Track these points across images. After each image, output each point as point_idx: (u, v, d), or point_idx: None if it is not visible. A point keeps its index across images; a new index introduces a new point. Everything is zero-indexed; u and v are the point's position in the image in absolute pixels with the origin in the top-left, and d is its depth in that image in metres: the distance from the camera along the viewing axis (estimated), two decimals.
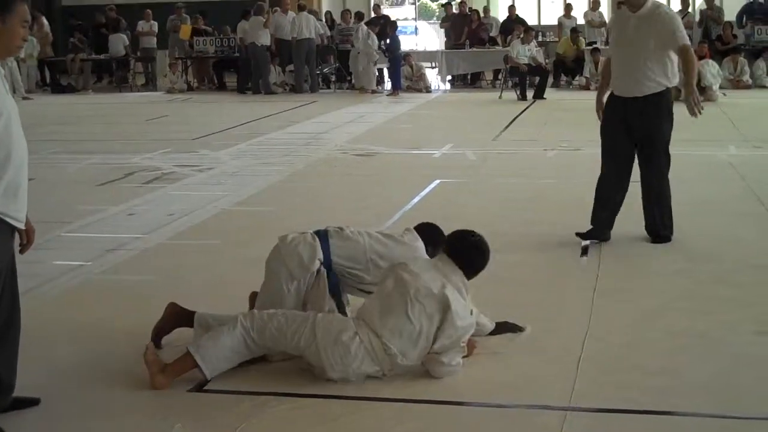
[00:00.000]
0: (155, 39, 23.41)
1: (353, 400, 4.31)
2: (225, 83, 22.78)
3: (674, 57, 6.82)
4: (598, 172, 7.06)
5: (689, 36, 7.65)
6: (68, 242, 7.56)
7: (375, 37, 20.20)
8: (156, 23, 23.41)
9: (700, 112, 6.74)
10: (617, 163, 7.01)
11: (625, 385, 4.39)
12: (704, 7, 22.39)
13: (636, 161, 7.04)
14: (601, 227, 7.06)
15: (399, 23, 35.00)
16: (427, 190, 9.33)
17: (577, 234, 7.08)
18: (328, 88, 22.03)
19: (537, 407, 4.19)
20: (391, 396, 4.35)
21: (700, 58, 18.78)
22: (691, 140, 10.62)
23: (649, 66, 6.76)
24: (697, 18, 22.34)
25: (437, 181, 9.69)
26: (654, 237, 7.03)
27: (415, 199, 8.90)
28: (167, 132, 14.67)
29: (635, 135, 6.91)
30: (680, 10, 22.47)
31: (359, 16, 22.28)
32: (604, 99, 7.15)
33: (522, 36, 19.07)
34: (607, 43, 20.42)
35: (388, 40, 20.58)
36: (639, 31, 6.80)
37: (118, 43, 23.05)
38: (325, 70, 22.25)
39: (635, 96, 6.82)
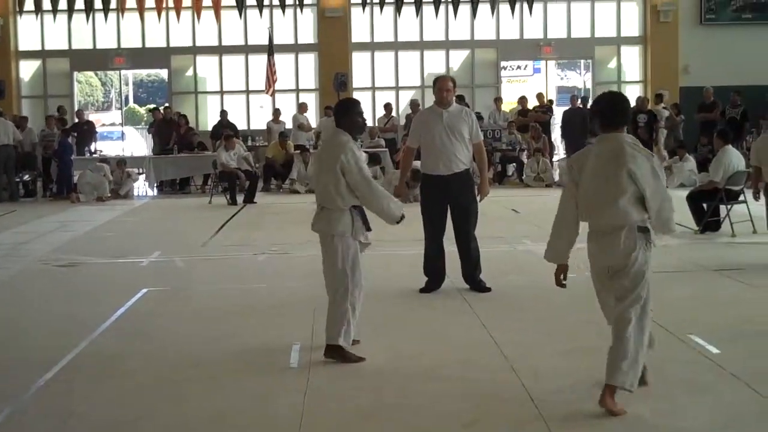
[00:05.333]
0: None
1: None
2: None
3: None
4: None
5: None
6: None
7: None
8: None
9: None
10: (440, 227, 8.89)
11: None
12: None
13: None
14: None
15: (105, 128, 34.67)
16: (134, 299, 9.01)
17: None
18: (30, 196, 21.03)
19: None
20: None
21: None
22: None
23: (461, 149, 8.73)
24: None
25: (144, 290, 9.39)
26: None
27: (122, 309, 8.57)
28: None
29: (453, 203, 8.80)
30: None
31: (62, 121, 21.69)
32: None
33: (225, 144, 19.21)
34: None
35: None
36: (453, 122, 8.71)
37: None
38: (25, 177, 21.27)
39: (454, 172, 8.67)
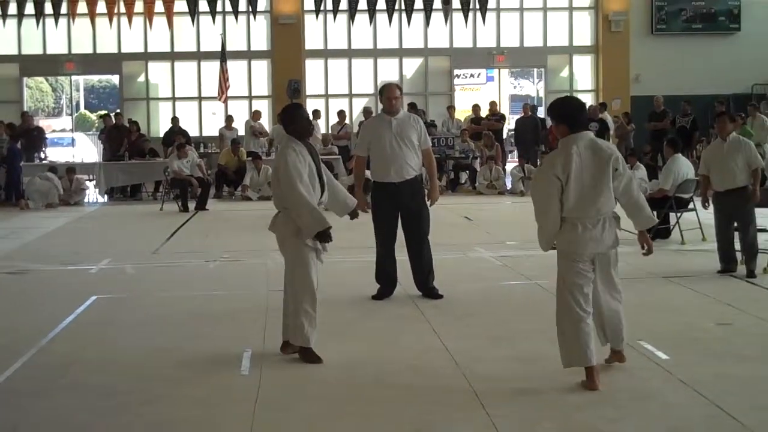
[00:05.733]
0: None
1: None
2: None
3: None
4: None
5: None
6: None
7: None
8: None
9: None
10: (391, 234, 8.93)
11: None
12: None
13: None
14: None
15: (55, 134, 34.31)
16: (84, 306, 8.91)
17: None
18: None
19: None
20: None
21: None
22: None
23: (411, 156, 8.81)
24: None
25: (94, 297, 9.29)
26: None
27: (72, 316, 8.47)
28: None
29: (405, 210, 8.88)
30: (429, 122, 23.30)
31: (11, 127, 21.40)
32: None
33: (177, 152, 19.06)
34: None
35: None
36: (402, 129, 8.81)
37: None
38: None
39: (405, 179, 8.76)
